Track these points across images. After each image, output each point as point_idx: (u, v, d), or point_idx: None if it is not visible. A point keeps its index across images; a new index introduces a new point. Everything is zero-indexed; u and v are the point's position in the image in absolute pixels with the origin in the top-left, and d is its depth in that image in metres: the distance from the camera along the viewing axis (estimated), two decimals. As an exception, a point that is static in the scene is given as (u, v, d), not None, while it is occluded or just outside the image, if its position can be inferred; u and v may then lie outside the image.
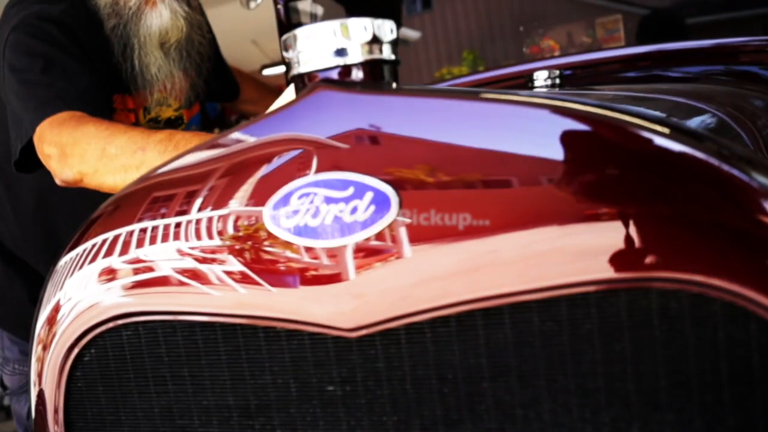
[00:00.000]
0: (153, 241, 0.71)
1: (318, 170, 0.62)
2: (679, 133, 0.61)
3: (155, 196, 0.72)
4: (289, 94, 0.88)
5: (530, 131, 0.60)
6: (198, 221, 0.69)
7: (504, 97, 0.61)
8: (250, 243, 0.66)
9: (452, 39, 2.61)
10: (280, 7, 1.89)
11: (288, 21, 1.90)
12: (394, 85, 0.66)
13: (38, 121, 1.27)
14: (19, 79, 1.37)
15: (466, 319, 0.61)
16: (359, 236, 0.60)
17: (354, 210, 0.60)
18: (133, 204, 0.75)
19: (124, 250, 0.74)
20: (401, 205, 0.60)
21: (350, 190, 0.60)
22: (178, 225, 0.72)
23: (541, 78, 1.42)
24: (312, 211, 0.61)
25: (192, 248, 0.70)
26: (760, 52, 1.79)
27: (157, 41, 1.51)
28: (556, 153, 0.60)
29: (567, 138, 0.60)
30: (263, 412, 0.69)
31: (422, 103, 0.62)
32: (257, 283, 0.67)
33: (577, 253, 0.59)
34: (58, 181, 1.29)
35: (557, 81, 1.44)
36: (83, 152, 1.19)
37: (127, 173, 1.14)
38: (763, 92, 1.58)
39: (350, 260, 0.61)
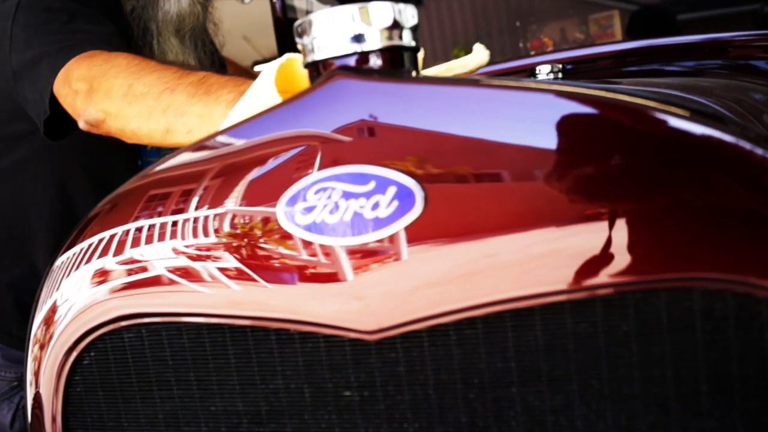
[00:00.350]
0: (161, 237, 0.65)
1: (335, 164, 0.57)
2: (701, 116, 0.56)
3: (178, 191, 0.67)
4: (265, 79, 0.78)
5: (560, 121, 0.56)
6: (206, 219, 0.64)
7: (537, 85, 0.56)
8: (263, 241, 0.61)
9: (445, 36, 2.57)
10: (276, 1, 1.83)
11: (284, 16, 1.84)
12: (414, 73, 0.61)
13: (63, 63, 1.13)
14: (37, 31, 1.24)
15: (494, 321, 0.56)
16: (381, 233, 0.55)
17: (376, 205, 0.55)
18: (131, 202, 0.70)
19: (124, 248, 0.68)
20: (426, 201, 0.55)
21: (371, 185, 0.55)
22: (175, 223, 0.67)
23: (543, 72, 1.38)
24: (330, 207, 0.56)
25: (199, 247, 0.64)
26: (756, 46, 1.76)
27: (174, 28, 1.44)
28: (584, 144, 0.55)
29: (599, 128, 0.55)
30: (275, 419, 0.64)
31: (447, 92, 0.57)
32: (269, 283, 0.61)
33: (612, 251, 0.54)
34: (80, 125, 1.14)
35: (560, 75, 1.40)
36: (110, 87, 1.04)
37: (151, 118, 0.99)
38: (763, 84, 1.55)
39: (371, 259, 0.56)
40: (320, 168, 0.58)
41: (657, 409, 0.54)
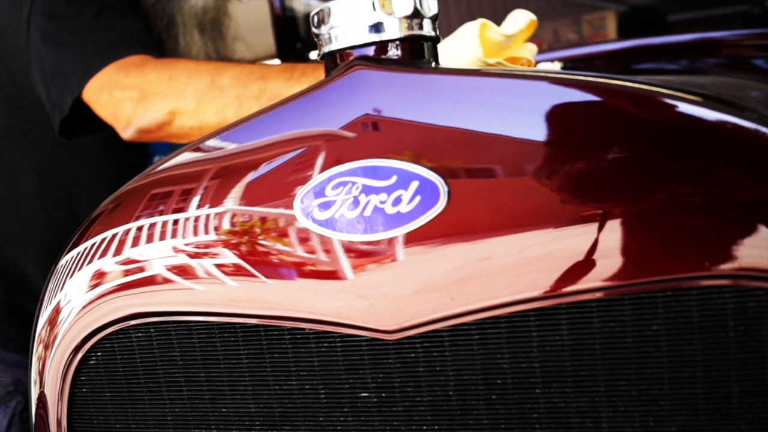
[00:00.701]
0: (173, 234, 0.62)
1: (353, 158, 0.54)
2: (716, 101, 0.54)
3: (185, 189, 0.63)
4: (468, 32, 0.77)
5: (588, 111, 0.53)
6: (220, 216, 0.60)
7: (560, 76, 0.53)
8: (275, 236, 0.58)
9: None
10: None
11: (284, 15, 1.80)
12: (434, 64, 0.58)
13: (99, 67, 1.11)
14: (64, 26, 1.19)
15: (519, 320, 0.53)
16: (403, 229, 0.52)
17: (398, 200, 0.52)
18: (134, 201, 0.67)
19: (138, 244, 0.65)
20: (450, 195, 0.52)
21: (393, 179, 0.52)
22: (184, 220, 0.63)
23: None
24: (349, 202, 0.53)
25: (209, 243, 0.61)
26: (749, 45, 1.75)
27: (197, 21, 1.39)
28: (612, 134, 0.52)
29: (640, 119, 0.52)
30: (288, 421, 0.61)
31: (470, 83, 0.54)
32: (283, 280, 0.58)
33: (640, 248, 0.51)
34: (126, 133, 1.11)
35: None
36: (183, 87, 1.03)
37: (242, 105, 0.99)
38: (759, 82, 1.53)
39: (391, 255, 0.53)
40: (336, 163, 0.55)
41: (687, 411, 0.52)
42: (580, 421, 0.54)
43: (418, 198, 0.52)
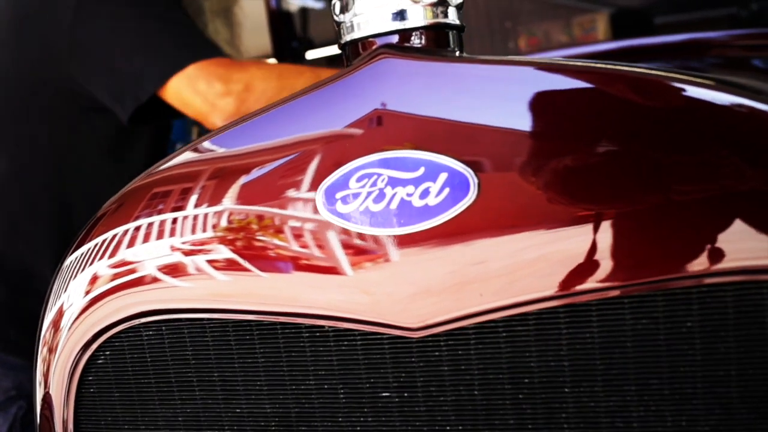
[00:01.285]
0: (185, 231, 0.59)
1: (379, 148, 0.51)
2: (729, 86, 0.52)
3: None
4: None
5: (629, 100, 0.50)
6: (240, 212, 0.57)
7: (589, 65, 0.51)
8: (297, 230, 0.55)
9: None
10: (271, -2, 1.76)
11: (279, 12, 1.77)
12: (458, 53, 0.55)
13: (188, 62, 1.15)
14: (137, 12, 1.21)
15: (548, 317, 0.51)
16: (431, 223, 0.49)
17: (425, 193, 0.49)
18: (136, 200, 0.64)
19: (148, 240, 0.62)
20: (480, 188, 0.49)
21: (420, 171, 0.49)
22: (188, 217, 0.60)
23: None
24: (375, 195, 0.50)
25: (224, 238, 0.58)
26: (738, 45, 1.75)
27: (222, 9, 1.39)
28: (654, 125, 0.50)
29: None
30: (305, 421, 0.58)
31: (498, 72, 0.51)
32: (303, 273, 0.55)
33: (674, 243, 0.49)
34: (218, 122, 1.15)
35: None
36: (293, 83, 1.12)
37: None
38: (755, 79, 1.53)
39: (417, 250, 0.50)
40: (359, 155, 0.52)
41: (720, 410, 0.49)
42: (610, 421, 0.51)
43: (447, 190, 0.49)
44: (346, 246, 0.53)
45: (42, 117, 1.32)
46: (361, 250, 0.52)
